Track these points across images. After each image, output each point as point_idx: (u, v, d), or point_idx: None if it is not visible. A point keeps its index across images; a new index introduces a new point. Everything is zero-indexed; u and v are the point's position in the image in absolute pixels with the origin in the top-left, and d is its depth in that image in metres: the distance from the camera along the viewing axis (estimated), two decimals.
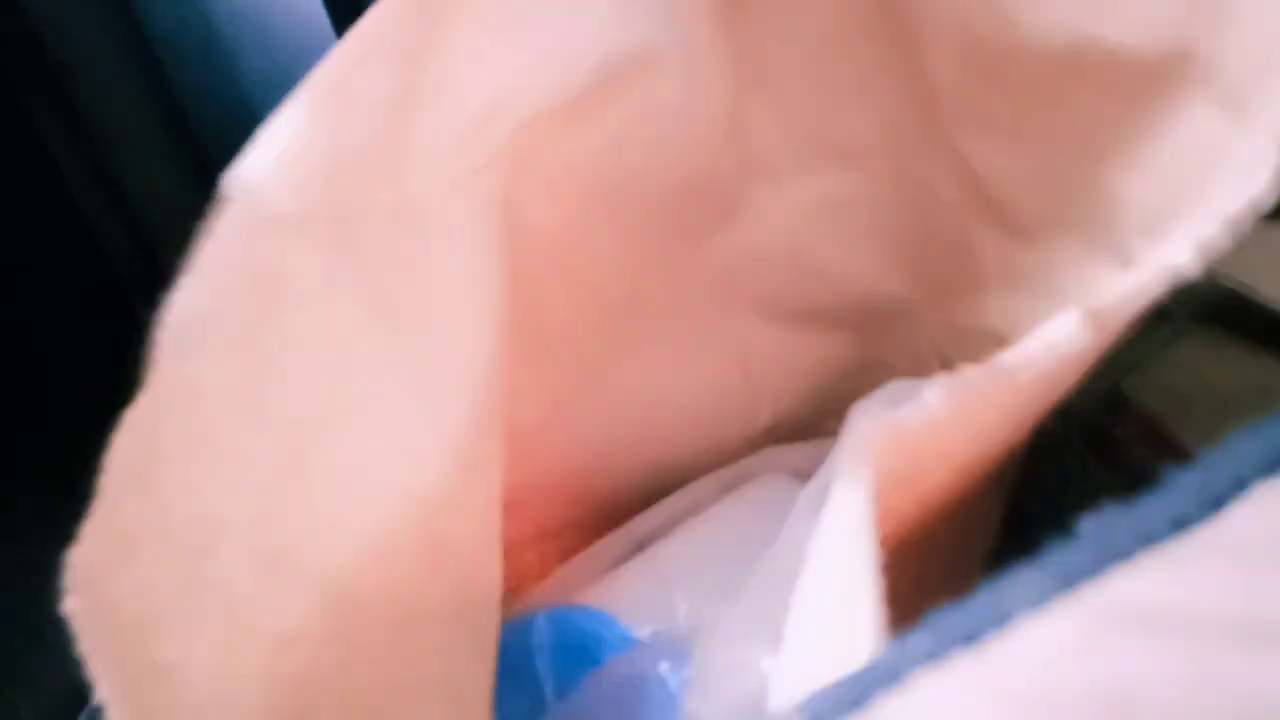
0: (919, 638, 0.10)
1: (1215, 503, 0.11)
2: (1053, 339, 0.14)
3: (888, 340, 0.31)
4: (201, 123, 0.34)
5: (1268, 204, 0.16)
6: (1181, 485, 0.11)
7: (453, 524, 0.21)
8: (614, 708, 0.23)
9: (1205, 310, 0.28)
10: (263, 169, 0.15)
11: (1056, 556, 0.11)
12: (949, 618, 0.10)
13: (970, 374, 0.14)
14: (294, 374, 0.16)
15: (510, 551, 0.33)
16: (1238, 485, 0.11)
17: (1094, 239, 0.22)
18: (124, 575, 0.15)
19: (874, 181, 0.27)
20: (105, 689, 0.14)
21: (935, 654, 0.10)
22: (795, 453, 0.31)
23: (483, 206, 0.21)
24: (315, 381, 0.16)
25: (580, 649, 0.25)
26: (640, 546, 0.29)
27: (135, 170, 0.34)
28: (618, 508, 0.33)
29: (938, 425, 0.14)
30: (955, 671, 0.10)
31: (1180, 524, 0.11)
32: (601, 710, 0.23)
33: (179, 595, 0.15)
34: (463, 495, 0.21)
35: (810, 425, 0.33)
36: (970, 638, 0.10)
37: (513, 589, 0.31)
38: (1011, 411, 0.17)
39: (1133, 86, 0.20)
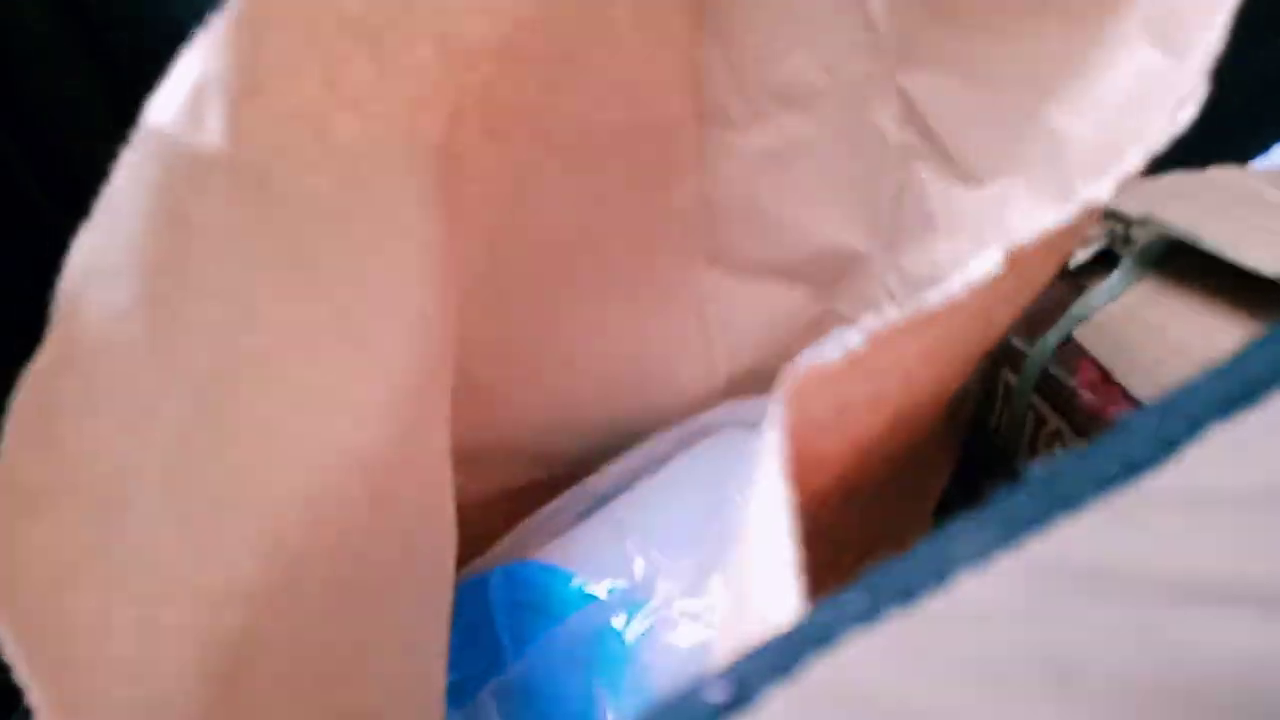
0: (854, 595, 0.09)
1: (1169, 445, 0.10)
2: (968, 273, 0.13)
3: (844, 291, 0.30)
4: (126, 49, 0.32)
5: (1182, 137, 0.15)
6: (1135, 428, 0.10)
7: (398, 480, 0.19)
8: (570, 662, 0.22)
9: (1153, 257, 0.27)
10: (171, 106, 0.14)
11: (1002, 506, 0.10)
12: (887, 574, 0.09)
13: (890, 312, 0.13)
14: (206, 325, 0.14)
15: (474, 510, 0.32)
16: (1192, 427, 0.10)
17: (1040, 181, 0.21)
18: (33, 531, 0.13)
19: (825, 128, 0.26)
20: (15, 647, 0.13)
21: (871, 613, 0.09)
22: (754, 406, 0.30)
23: (421, 153, 0.19)
24: (231, 333, 0.15)
25: (538, 605, 0.24)
26: (599, 501, 0.28)
27: (51, 96, 0.32)
28: (580, 464, 0.32)
29: (860, 364, 0.13)
30: (891, 632, 0.09)
31: (1133, 468, 0.10)
32: (558, 665, 0.22)
33: (94, 551, 0.14)
34: (407, 451, 0.20)
35: (770, 378, 0.32)
36: (908, 595, 0.09)
37: (478, 547, 0.30)
38: (940, 349, 0.16)
39: (1074, 22, 0.19)
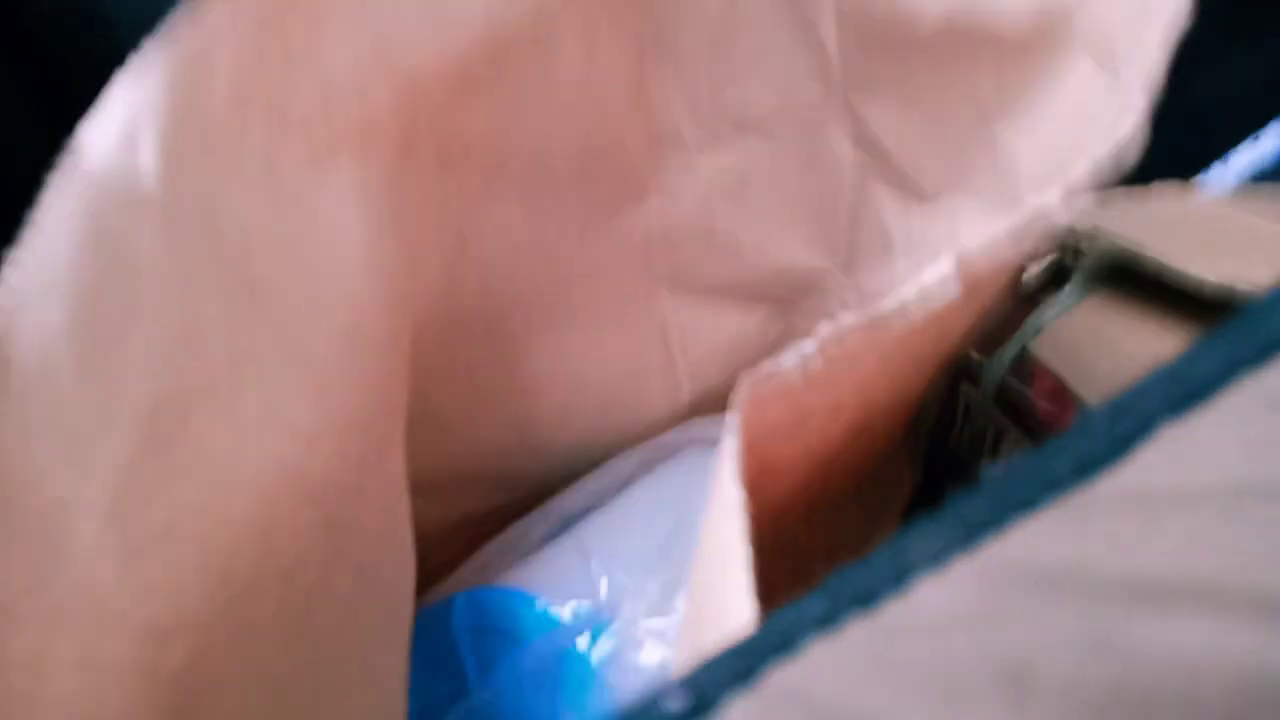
0: (814, 601, 0.09)
1: (1122, 445, 0.10)
2: (922, 285, 0.13)
3: (804, 311, 0.30)
4: (66, 70, 0.31)
5: (1133, 150, 0.15)
6: (1088, 428, 0.10)
7: (353, 507, 0.19)
8: (535, 685, 0.22)
9: (1102, 271, 0.28)
10: (104, 134, 0.13)
11: (958, 508, 0.09)
12: (846, 579, 0.09)
13: (845, 323, 0.13)
14: (148, 352, 0.14)
15: (436, 536, 0.31)
16: (1144, 427, 0.10)
17: (991, 199, 0.22)
18: None
19: (781, 151, 0.26)
20: None
21: (831, 619, 0.09)
22: (717, 425, 0.30)
23: (372, 182, 0.19)
24: (175, 361, 0.14)
25: (502, 629, 0.23)
26: (563, 524, 0.27)
27: None
28: (544, 488, 0.31)
29: (816, 373, 0.13)
30: (851, 639, 0.08)
31: (1086, 468, 0.10)
32: (523, 688, 0.22)
33: (33, 586, 0.13)
34: (362, 478, 0.19)
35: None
36: (867, 600, 0.09)
37: (440, 574, 0.30)
38: (896, 358, 0.16)
39: (1012, 45, 0.20)
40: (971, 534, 0.09)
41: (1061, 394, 0.26)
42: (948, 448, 0.31)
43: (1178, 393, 0.10)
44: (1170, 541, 0.08)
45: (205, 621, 0.16)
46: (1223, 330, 0.11)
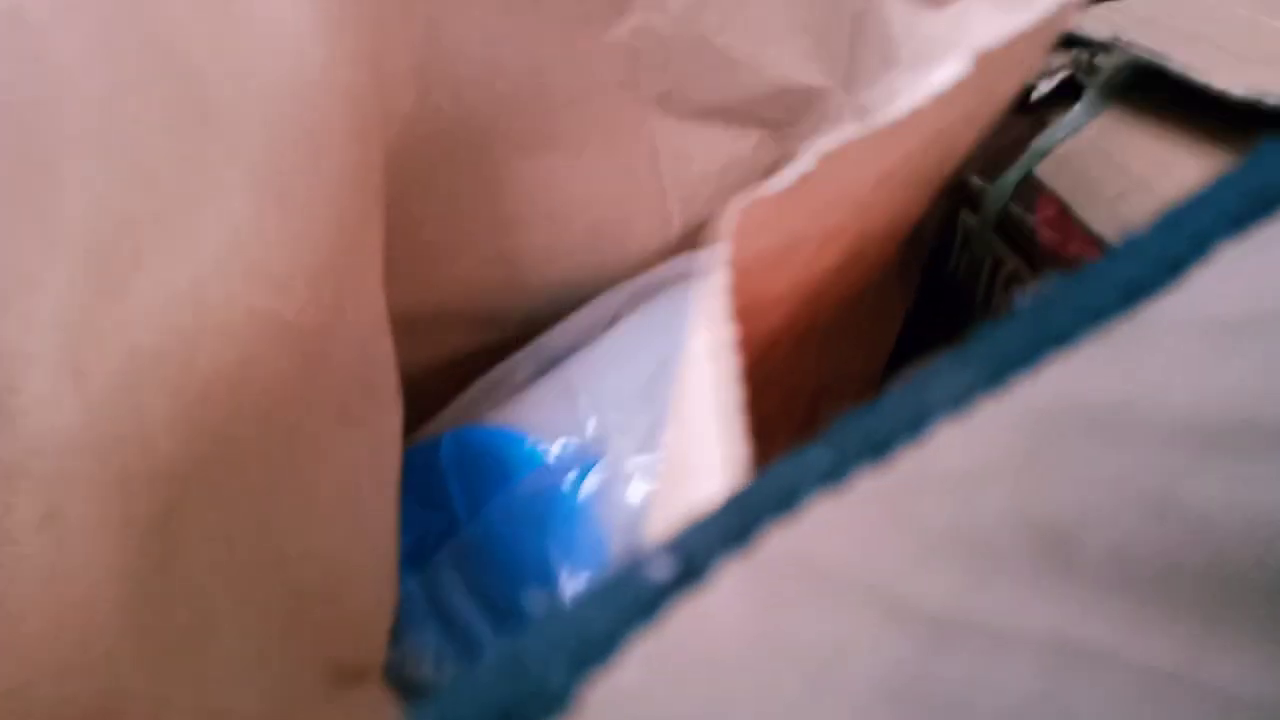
0: (818, 451, 0.08)
1: (1173, 267, 0.08)
2: (930, 82, 0.11)
3: (801, 134, 0.28)
4: None
5: None
6: (1134, 249, 0.09)
7: (330, 350, 0.18)
8: (523, 521, 0.21)
9: (1118, 86, 0.25)
10: None
11: (984, 342, 0.08)
12: (855, 425, 0.08)
13: (842, 131, 0.11)
14: (82, 179, 0.12)
15: (425, 375, 0.30)
16: (1199, 246, 0.09)
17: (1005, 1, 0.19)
18: None
19: None
20: None
21: (837, 472, 0.07)
22: (707, 260, 0.29)
23: None
24: (115, 189, 0.13)
25: (490, 467, 0.23)
26: (550, 362, 0.26)
27: None
28: (531, 325, 0.30)
29: (811, 191, 0.11)
30: (860, 494, 0.07)
31: (1133, 294, 0.08)
32: (512, 524, 0.21)
33: None
34: (338, 321, 0.18)
35: None
36: (879, 449, 0.07)
37: (431, 412, 0.29)
38: (896, 175, 0.14)
39: None
40: (1000, 372, 0.08)
41: (1065, 221, 0.25)
42: (943, 277, 0.30)
43: (1238, 206, 0.09)
44: (1236, 378, 0.07)
45: (180, 471, 0.15)
46: None
